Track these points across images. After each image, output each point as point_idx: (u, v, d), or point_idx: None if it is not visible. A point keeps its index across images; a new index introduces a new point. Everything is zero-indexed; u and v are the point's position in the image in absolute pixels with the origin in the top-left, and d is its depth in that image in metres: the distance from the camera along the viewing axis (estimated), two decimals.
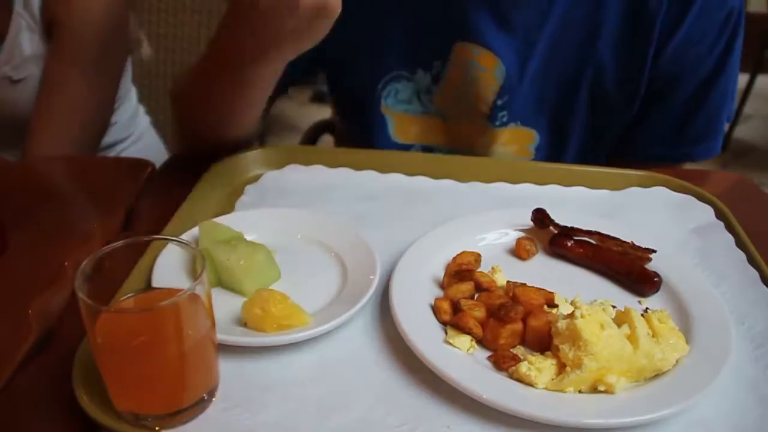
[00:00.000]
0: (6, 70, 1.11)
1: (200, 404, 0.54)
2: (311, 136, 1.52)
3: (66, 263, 0.67)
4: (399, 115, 1.01)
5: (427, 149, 1.03)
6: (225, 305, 0.64)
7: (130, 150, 1.38)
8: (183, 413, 0.53)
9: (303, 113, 3.24)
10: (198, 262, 0.53)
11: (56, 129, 1.09)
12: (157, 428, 0.53)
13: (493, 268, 0.69)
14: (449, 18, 0.92)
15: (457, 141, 1.01)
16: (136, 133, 1.39)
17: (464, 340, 0.59)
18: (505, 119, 0.97)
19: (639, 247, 0.71)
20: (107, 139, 1.28)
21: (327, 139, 1.57)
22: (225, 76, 0.78)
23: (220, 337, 0.57)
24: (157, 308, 0.51)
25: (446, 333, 0.61)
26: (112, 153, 1.31)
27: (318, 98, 3.45)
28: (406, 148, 1.03)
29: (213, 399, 0.55)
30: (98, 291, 0.51)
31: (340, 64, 1.01)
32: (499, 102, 0.96)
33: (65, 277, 0.66)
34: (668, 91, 0.94)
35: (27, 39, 1.10)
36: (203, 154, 0.87)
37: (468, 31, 0.92)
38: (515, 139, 0.99)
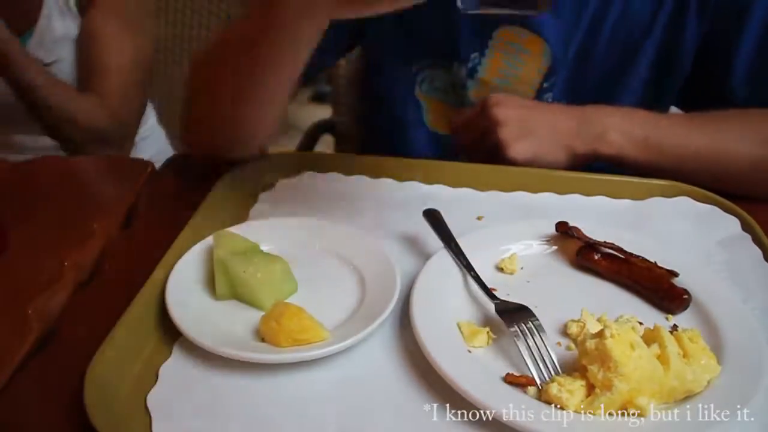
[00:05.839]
0: (39, 54, 1.13)
1: None
2: (311, 136, 1.50)
3: (66, 263, 0.66)
4: (435, 102, 0.99)
5: None
6: (241, 319, 0.62)
7: (139, 146, 1.38)
8: None
9: (303, 113, 3.20)
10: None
11: (116, 77, 1.14)
12: None
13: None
14: None
15: None
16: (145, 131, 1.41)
17: (481, 336, 0.58)
18: (549, 100, 0.96)
19: (662, 268, 0.68)
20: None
21: (327, 140, 1.55)
22: (265, 37, 0.71)
23: (236, 352, 0.56)
24: None
25: (462, 333, 0.59)
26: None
27: (318, 98, 3.40)
28: (442, 139, 1.01)
29: None
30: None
31: (377, 44, 0.99)
32: (546, 84, 0.94)
33: (65, 277, 0.65)
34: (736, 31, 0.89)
35: (59, 21, 1.13)
36: (208, 153, 0.85)
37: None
38: None
